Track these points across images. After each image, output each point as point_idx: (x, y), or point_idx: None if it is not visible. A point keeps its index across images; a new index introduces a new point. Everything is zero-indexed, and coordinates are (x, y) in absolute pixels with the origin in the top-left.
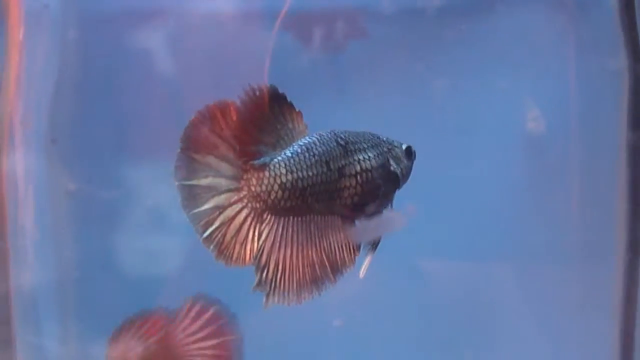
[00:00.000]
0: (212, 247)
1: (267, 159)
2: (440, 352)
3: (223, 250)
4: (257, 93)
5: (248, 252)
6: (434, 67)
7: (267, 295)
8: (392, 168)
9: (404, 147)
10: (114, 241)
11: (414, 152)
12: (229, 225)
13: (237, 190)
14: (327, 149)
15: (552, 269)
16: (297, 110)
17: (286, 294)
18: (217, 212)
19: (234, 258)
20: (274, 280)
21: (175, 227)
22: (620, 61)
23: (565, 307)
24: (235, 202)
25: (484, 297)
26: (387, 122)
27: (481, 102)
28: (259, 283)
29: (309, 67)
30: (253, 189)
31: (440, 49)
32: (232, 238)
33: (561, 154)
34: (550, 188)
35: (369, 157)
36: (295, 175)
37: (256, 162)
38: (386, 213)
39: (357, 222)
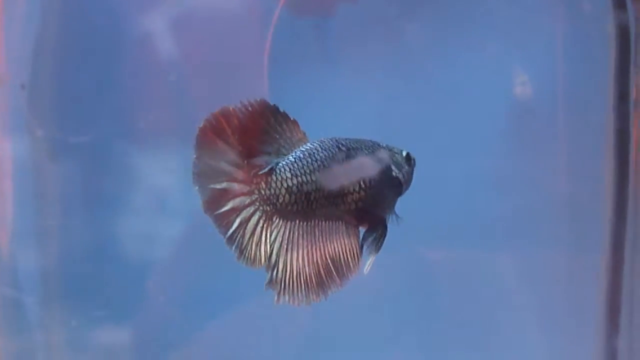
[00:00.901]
0: (233, 247)
1: (273, 164)
2: (436, 341)
3: (243, 251)
4: (251, 108)
5: (262, 253)
6: (422, 32)
7: (278, 294)
8: (394, 174)
9: (404, 153)
10: (112, 226)
11: (414, 159)
12: (246, 226)
13: (250, 193)
14: (329, 154)
15: (538, 236)
16: (292, 119)
17: (295, 294)
18: (235, 214)
19: (252, 259)
20: (283, 280)
21: (174, 212)
22: (608, 27)
23: (552, 282)
24: (249, 205)
25: (475, 280)
26: (376, 87)
27: (469, 66)
28: (270, 281)
29: (298, 32)
30: (263, 192)
31: (430, 13)
32: (249, 239)
33: (548, 118)
34: (536, 153)
35: (371, 162)
36: (299, 179)
37: (265, 167)
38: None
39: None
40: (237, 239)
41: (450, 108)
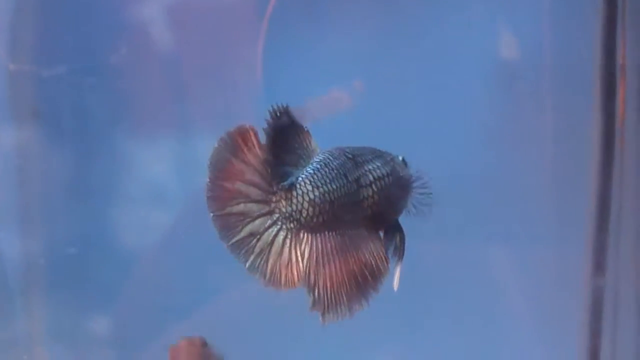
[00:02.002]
0: (258, 275)
1: (292, 179)
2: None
3: (269, 276)
4: (279, 115)
5: (295, 274)
6: None
7: (323, 314)
8: (401, 174)
9: (400, 158)
10: (102, 214)
11: (407, 163)
12: (269, 250)
13: (270, 213)
14: (340, 162)
15: (524, 203)
16: (306, 129)
17: (339, 309)
18: (255, 239)
19: (282, 282)
20: (325, 297)
21: (165, 201)
22: None
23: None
24: (270, 226)
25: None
26: (362, 50)
27: (455, 27)
28: (314, 303)
29: (293, 21)
30: (284, 209)
31: None
32: (275, 263)
33: (533, 82)
34: (521, 117)
35: (378, 166)
36: (321, 189)
37: (285, 183)
38: (332, 92)
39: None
40: (261, 264)
41: (435, 70)
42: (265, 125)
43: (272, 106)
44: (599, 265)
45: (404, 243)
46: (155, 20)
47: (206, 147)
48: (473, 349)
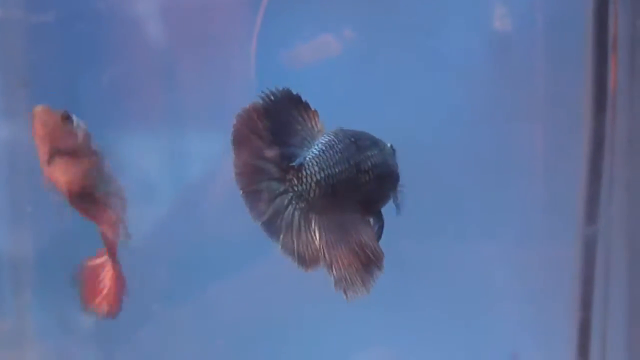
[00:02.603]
0: (289, 255)
1: (301, 159)
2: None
3: (302, 255)
4: (273, 97)
5: (314, 253)
6: None
7: (346, 292)
8: (391, 163)
9: (389, 145)
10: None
11: (395, 151)
12: (292, 230)
13: (286, 192)
14: (344, 146)
15: (512, 173)
16: (313, 109)
17: (357, 285)
18: (279, 219)
19: (308, 262)
20: (344, 275)
21: (157, 196)
22: None
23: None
24: (287, 205)
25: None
26: (353, 22)
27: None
28: (336, 283)
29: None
30: (296, 189)
31: None
32: (298, 242)
33: (526, 54)
34: (513, 88)
35: (375, 153)
36: (326, 172)
37: (294, 163)
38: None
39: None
40: (289, 244)
41: (427, 40)
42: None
43: (262, 91)
44: (588, 258)
45: (382, 231)
46: (147, 13)
47: (198, 141)
48: (464, 345)
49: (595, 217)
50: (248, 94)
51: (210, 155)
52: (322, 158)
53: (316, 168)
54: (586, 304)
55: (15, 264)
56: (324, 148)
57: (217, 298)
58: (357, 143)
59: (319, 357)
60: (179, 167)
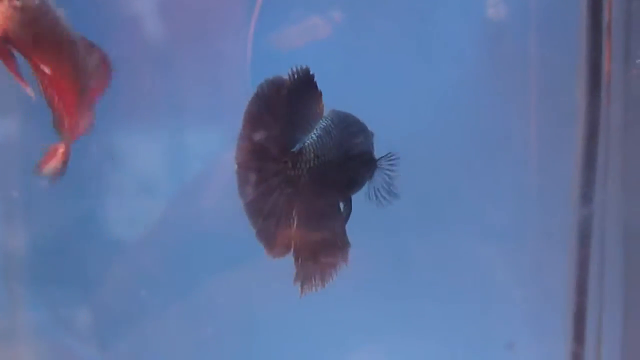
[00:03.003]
0: (263, 242)
1: (300, 144)
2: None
3: (271, 243)
4: (297, 76)
5: (286, 241)
6: None
7: (302, 286)
8: (372, 150)
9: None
10: (90, 205)
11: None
12: (274, 215)
13: (277, 174)
14: (338, 131)
15: (505, 162)
16: (319, 91)
17: (314, 280)
18: (264, 202)
19: (278, 249)
20: (304, 266)
21: (157, 193)
22: None
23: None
24: (275, 189)
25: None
26: (342, 15)
27: None
28: (296, 275)
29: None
30: (289, 173)
31: None
32: (276, 227)
33: (520, 40)
34: (507, 74)
35: (362, 140)
36: (320, 159)
37: (294, 149)
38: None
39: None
40: (267, 229)
41: (421, 26)
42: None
43: (292, 68)
44: (583, 246)
45: (347, 219)
46: (145, 9)
47: (196, 138)
48: (459, 334)
49: (589, 204)
50: (246, 93)
51: (209, 150)
52: (319, 145)
53: (312, 155)
54: (581, 293)
55: (11, 260)
56: (321, 134)
57: (215, 293)
58: (349, 129)
59: (315, 352)
60: (177, 165)
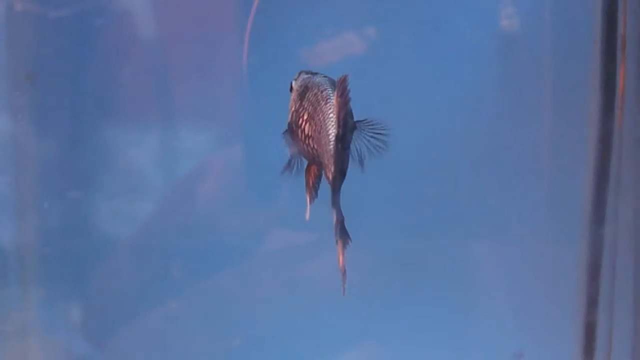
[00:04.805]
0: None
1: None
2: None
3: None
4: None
5: None
6: None
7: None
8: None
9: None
10: (88, 205)
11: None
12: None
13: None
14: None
15: (518, 172)
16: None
17: None
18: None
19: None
20: None
21: (151, 191)
22: None
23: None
24: None
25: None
26: (355, 21)
27: None
28: None
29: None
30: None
31: None
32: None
33: (533, 54)
34: (520, 86)
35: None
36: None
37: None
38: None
39: None
40: None
41: (433, 37)
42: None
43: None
44: (594, 258)
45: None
46: (138, 8)
47: (189, 137)
48: (468, 343)
49: (601, 217)
50: (240, 91)
51: (203, 150)
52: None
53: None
54: (592, 304)
55: (4, 260)
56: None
57: (210, 291)
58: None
59: (312, 352)
60: (170, 164)
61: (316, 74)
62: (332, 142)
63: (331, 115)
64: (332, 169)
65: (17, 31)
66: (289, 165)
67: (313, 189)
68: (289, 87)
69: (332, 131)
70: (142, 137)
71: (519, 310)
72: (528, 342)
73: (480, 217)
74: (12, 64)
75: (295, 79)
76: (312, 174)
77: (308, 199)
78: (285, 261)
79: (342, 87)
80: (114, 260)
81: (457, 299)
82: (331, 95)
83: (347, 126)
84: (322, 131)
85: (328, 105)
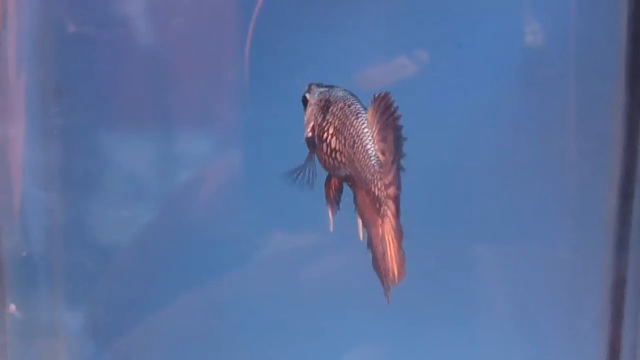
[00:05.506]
0: None
1: None
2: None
3: None
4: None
5: None
6: None
7: None
8: None
9: None
10: (86, 210)
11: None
12: None
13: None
14: None
15: (543, 184)
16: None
17: None
18: None
19: None
20: None
21: (150, 197)
22: None
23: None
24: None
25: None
26: (380, 38)
27: (480, 11)
28: None
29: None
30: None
31: None
32: None
33: (558, 69)
34: (545, 103)
35: None
36: None
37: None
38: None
39: None
40: None
41: (459, 55)
42: None
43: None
44: (620, 266)
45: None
46: (137, 15)
47: (188, 143)
48: (490, 353)
49: (627, 224)
50: (240, 96)
51: (200, 157)
52: None
53: None
54: (617, 314)
55: (2, 263)
56: None
57: (207, 298)
58: None
59: (312, 354)
60: (168, 170)
61: (331, 86)
62: (373, 158)
63: (366, 130)
64: (391, 189)
65: (49, 46)
66: (301, 170)
67: (335, 202)
68: (302, 100)
69: (371, 146)
70: (139, 143)
71: (542, 322)
72: (551, 354)
73: (505, 226)
74: (46, 77)
75: (310, 92)
76: (333, 187)
77: (330, 213)
78: (285, 265)
79: (386, 105)
80: (105, 266)
81: (477, 304)
82: (361, 110)
83: (401, 146)
84: (355, 146)
85: (360, 120)
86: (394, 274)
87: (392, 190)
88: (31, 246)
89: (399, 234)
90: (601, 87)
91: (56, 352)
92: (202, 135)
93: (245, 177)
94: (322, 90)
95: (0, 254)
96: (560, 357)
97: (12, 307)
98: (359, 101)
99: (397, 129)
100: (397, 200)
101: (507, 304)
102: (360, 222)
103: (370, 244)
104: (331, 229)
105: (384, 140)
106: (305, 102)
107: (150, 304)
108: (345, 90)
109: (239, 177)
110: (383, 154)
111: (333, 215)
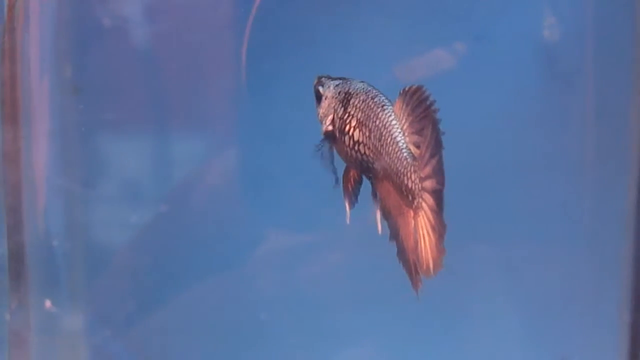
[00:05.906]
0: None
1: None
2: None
3: None
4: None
5: None
6: None
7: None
8: None
9: None
10: (83, 212)
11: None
12: None
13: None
14: None
15: (562, 179)
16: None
17: None
18: None
19: None
20: None
21: (147, 200)
22: None
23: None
24: None
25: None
26: (398, 33)
27: (496, 8)
28: None
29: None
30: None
31: None
32: None
33: (575, 64)
34: (561, 100)
35: None
36: None
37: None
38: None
39: None
40: None
41: (475, 52)
42: None
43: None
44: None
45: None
46: (134, 17)
47: (184, 145)
48: (513, 348)
49: None
50: (236, 98)
51: (197, 157)
52: None
53: None
54: (637, 309)
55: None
56: None
57: (205, 298)
58: None
59: (312, 353)
60: (165, 172)
61: (343, 78)
62: (404, 150)
63: (394, 122)
64: (427, 182)
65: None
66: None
67: (353, 194)
68: (313, 93)
69: (401, 138)
70: (135, 145)
71: (565, 316)
72: (574, 347)
73: (523, 227)
74: (63, 75)
75: (323, 85)
76: (352, 179)
77: (347, 205)
78: (283, 263)
79: (420, 98)
80: (102, 267)
81: (502, 303)
82: (386, 101)
83: (440, 139)
84: (383, 138)
85: (386, 112)
86: (428, 266)
87: (428, 183)
88: (54, 242)
89: (440, 227)
90: (620, 82)
91: (76, 347)
92: (195, 134)
93: (241, 176)
94: (336, 82)
95: (24, 251)
96: (582, 356)
97: (48, 303)
98: (382, 92)
99: (435, 122)
100: (436, 193)
101: (528, 301)
102: (379, 215)
103: (396, 235)
104: (347, 221)
105: (418, 132)
106: (318, 94)
107: (168, 299)
108: (363, 82)
109: (236, 175)
110: (417, 146)
111: (350, 208)
